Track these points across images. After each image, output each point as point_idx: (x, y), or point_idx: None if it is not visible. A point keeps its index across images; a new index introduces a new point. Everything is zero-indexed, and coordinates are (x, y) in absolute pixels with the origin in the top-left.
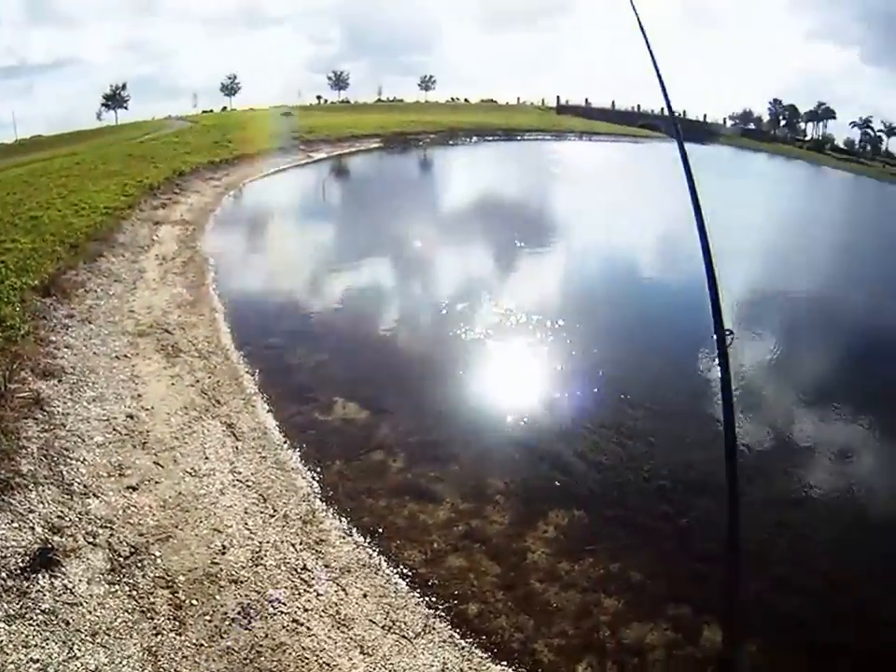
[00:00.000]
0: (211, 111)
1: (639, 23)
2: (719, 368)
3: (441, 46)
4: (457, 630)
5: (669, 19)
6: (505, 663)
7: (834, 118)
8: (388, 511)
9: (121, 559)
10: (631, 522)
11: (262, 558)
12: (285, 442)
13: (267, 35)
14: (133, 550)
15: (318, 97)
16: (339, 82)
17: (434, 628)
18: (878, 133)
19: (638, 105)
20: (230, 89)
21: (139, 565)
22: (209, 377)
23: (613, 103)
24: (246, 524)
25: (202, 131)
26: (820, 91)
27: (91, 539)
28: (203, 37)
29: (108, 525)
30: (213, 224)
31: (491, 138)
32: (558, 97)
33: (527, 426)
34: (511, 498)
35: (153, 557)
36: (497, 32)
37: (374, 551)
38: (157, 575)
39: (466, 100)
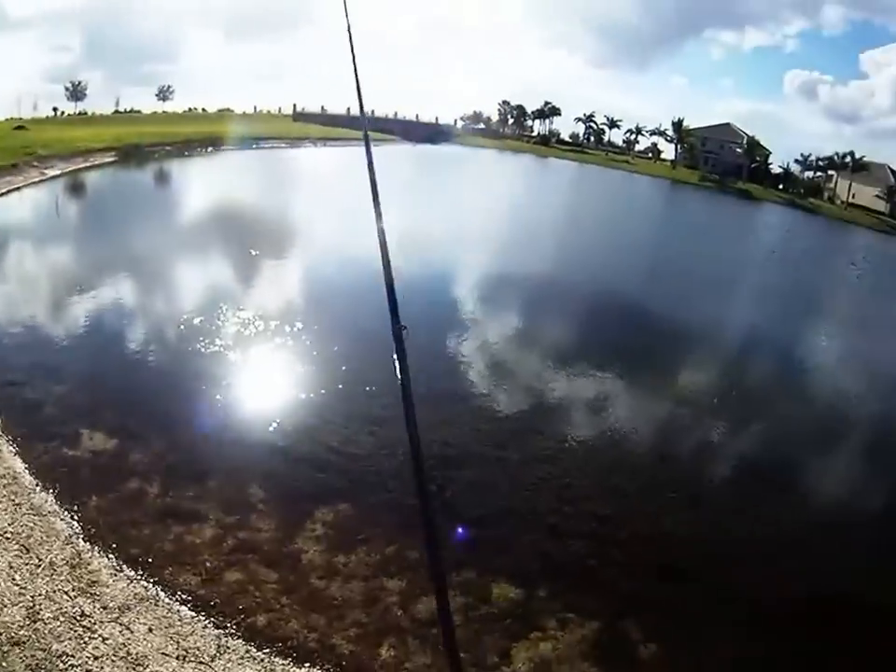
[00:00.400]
0: None
1: (348, 30)
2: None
3: (182, 56)
4: (252, 644)
5: (409, 29)
6: (308, 664)
7: (560, 115)
8: (154, 538)
9: None
10: (396, 504)
11: (39, 613)
12: (37, 485)
13: (4, 39)
14: None
15: (55, 109)
16: (76, 93)
17: (228, 647)
18: (601, 126)
19: (373, 111)
20: None
21: None
22: None
23: (349, 109)
24: (13, 579)
25: None
26: (552, 93)
27: None
28: None
29: None
30: None
31: (227, 147)
32: (294, 105)
33: (278, 429)
34: (274, 504)
35: None
36: (238, 42)
37: (149, 582)
38: None
39: (203, 109)
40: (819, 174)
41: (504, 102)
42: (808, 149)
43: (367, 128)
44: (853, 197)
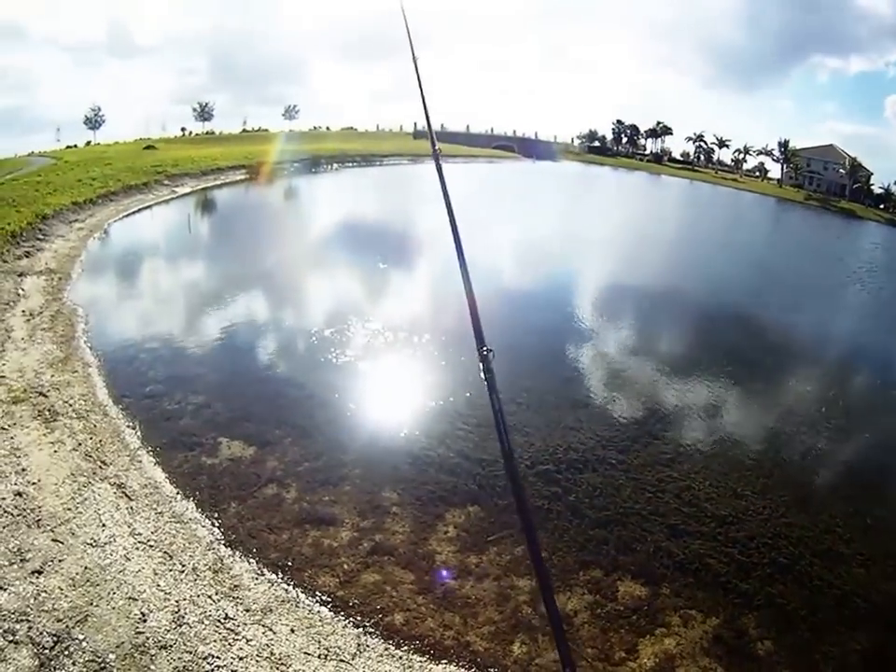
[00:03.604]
0: (75, 146)
1: (413, 59)
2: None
3: (306, 76)
4: (390, 642)
5: (529, 58)
6: (445, 661)
7: (671, 133)
8: (292, 542)
9: (47, 651)
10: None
11: (184, 617)
12: (178, 493)
13: (134, 64)
14: (55, 639)
15: (183, 129)
16: (203, 113)
17: (367, 645)
18: (711, 146)
19: (492, 129)
20: (93, 121)
21: (67, 653)
22: (90, 438)
23: (468, 126)
24: (159, 585)
25: (64, 168)
26: (662, 112)
27: (11, 638)
28: (69, 66)
29: (24, 617)
30: (79, 271)
31: (351, 164)
32: (415, 123)
33: (407, 435)
34: (407, 507)
35: (77, 641)
36: (356, 63)
37: (289, 585)
38: (87, 659)
39: (328, 128)
40: None
41: (618, 121)
42: None
43: (437, 153)
44: None
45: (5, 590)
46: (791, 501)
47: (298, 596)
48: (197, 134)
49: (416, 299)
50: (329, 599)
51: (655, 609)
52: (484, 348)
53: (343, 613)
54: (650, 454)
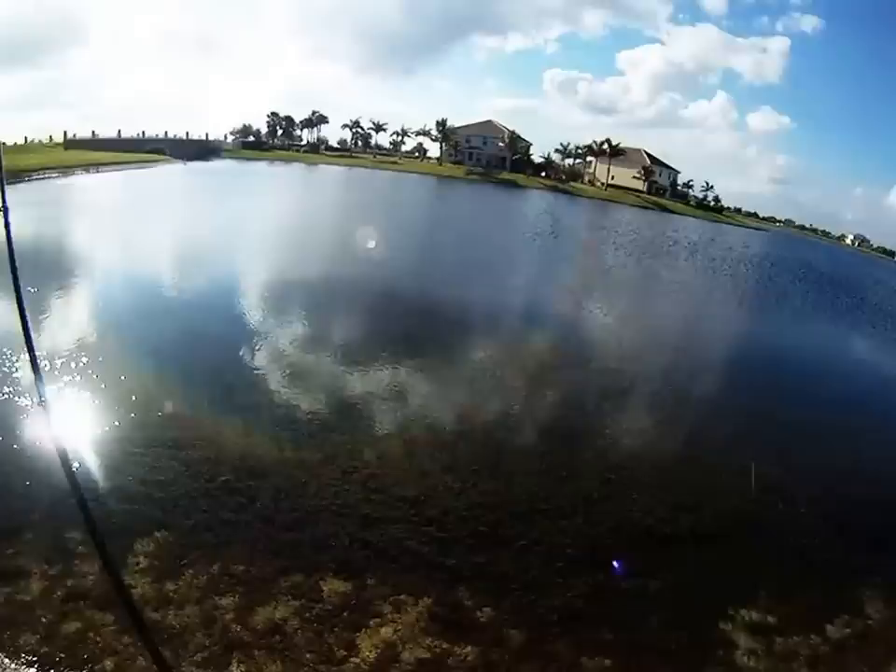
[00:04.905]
0: None
1: None
2: None
3: None
4: None
5: (175, 47)
6: None
7: (328, 122)
8: None
9: None
10: (211, 523)
11: None
12: None
13: None
14: None
15: None
16: None
17: None
18: (368, 131)
19: (143, 132)
20: None
21: None
22: None
23: (119, 132)
24: None
25: None
26: (319, 101)
27: None
28: None
29: None
30: None
31: None
32: (65, 132)
33: (81, 469)
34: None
35: None
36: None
37: None
38: None
39: None
40: (578, 160)
41: (273, 113)
42: (569, 140)
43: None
44: (612, 179)
45: None
46: (481, 470)
47: (2, 662)
48: None
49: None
50: (35, 658)
51: (365, 602)
52: None
53: (52, 670)
54: (329, 447)
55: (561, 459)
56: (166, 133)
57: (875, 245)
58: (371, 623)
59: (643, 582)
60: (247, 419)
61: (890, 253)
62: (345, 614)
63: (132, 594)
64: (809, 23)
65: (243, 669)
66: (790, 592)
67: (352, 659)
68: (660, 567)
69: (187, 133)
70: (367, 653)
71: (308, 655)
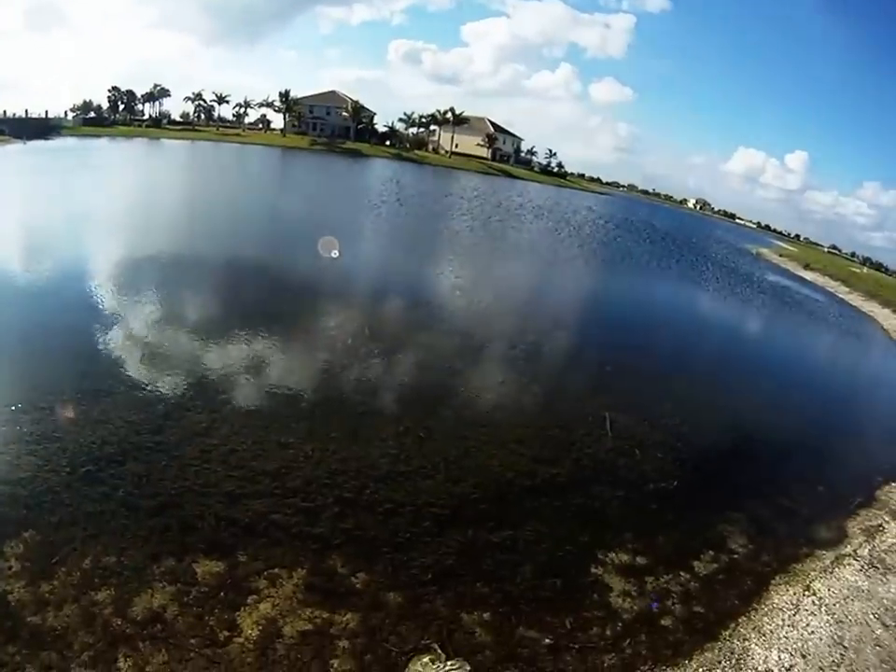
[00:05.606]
0: None
1: None
2: None
3: None
4: None
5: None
6: None
7: (170, 96)
8: None
9: None
10: (76, 516)
11: None
12: None
13: None
14: None
15: None
16: None
17: None
18: (210, 103)
19: None
20: None
21: None
22: None
23: None
24: None
25: None
26: (163, 74)
27: None
28: None
29: None
30: None
31: None
32: None
33: None
34: None
35: None
36: None
37: None
38: None
39: None
40: (422, 129)
41: (114, 88)
42: (414, 109)
43: None
44: (457, 147)
45: None
46: (340, 437)
47: None
48: None
49: None
50: None
51: (240, 580)
52: None
53: None
54: (185, 427)
55: (417, 421)
56: (4, 112)
57: (716, 209)
58: (249, 600)
59: (512, 534)
60: (103, 405)
61: (731, 215)
62: (222, 594)
63: (8, 600)
64: (657, 4)
65: (130, 663)
66: (655, 533)
67: (235, 639)
68: (526, 519)
69: (26, 111)
70: (249, 631)
71: (192, 641)
